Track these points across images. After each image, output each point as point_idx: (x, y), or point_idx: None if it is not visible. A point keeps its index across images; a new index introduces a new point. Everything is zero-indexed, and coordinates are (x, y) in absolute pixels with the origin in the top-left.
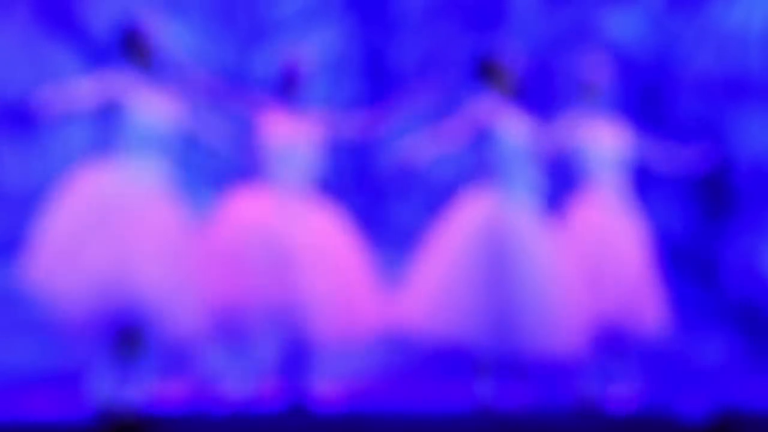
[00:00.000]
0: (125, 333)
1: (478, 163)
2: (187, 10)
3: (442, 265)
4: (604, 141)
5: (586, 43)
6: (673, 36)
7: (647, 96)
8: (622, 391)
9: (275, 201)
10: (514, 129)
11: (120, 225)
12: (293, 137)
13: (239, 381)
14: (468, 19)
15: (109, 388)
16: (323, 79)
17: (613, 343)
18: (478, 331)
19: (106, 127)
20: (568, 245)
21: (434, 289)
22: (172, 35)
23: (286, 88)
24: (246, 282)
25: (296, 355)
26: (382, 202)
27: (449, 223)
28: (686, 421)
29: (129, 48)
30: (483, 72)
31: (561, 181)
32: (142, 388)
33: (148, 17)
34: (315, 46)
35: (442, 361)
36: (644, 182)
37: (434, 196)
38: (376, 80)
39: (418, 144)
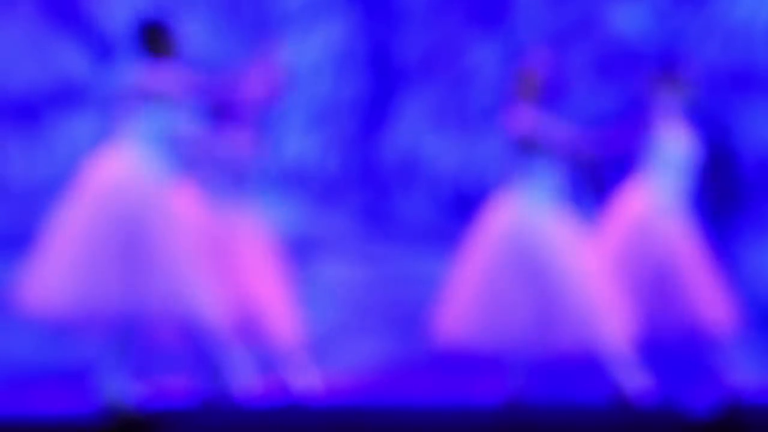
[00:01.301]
0: (134, 331)
1: (520, 166)
2: (193, 5)
3: (481, 271)
4: (681, 142)
5: (590, 37)
6: (678, 29)
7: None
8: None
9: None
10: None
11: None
12: None
13: (246, 376)
14: (472, 14)
15: (118, 385)
16: (328, 74)
17: (655, 340)
18: (520, 334)
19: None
20: (611, 240)
21: (472, 301)
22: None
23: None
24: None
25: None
26: (387, 196)
27: (484, 229)
28: (693, 415)
29: (150, 42)
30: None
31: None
32: (146, 385)
33: (170, 11)
34: (319, 41)
35: (450, 352)
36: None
37: (438, 189)
38: (381, 75)
39: None
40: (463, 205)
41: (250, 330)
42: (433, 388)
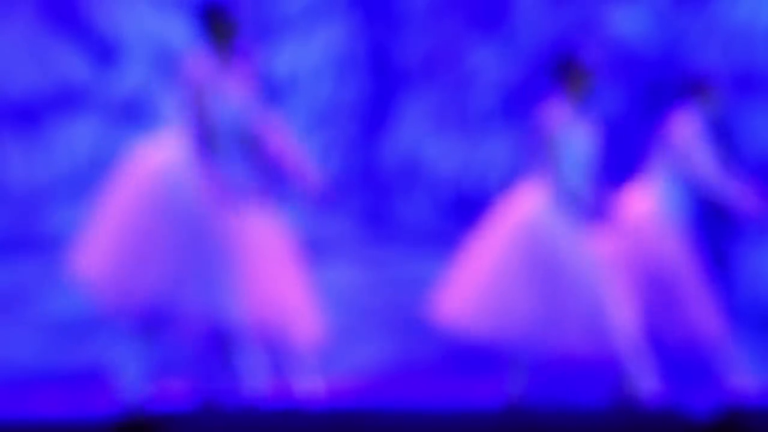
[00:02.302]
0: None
1: (542, 165)
2: (191, 8)
3: (488, 264)
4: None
5: (591, 39)
6: (679, 32)
7: (653, 92)
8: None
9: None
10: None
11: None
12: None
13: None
14: (472, 17)
15: (133, 385)
16: (328, 77)
17: (663, 342)
18: (527, 326)
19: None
20: (623, 239)
21: (481, 287)
22: (175, 33)
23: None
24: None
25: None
26: (388, 199)
27: (493, 224)
28: (693, 417)
29: (212, 26)
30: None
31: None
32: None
33: None
34: (319, 44)
35: (451, 355)
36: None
37: (439, 192)
38: (381, 78)
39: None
40: (463, 208)
41: (272, 330)
42: (434, 391)
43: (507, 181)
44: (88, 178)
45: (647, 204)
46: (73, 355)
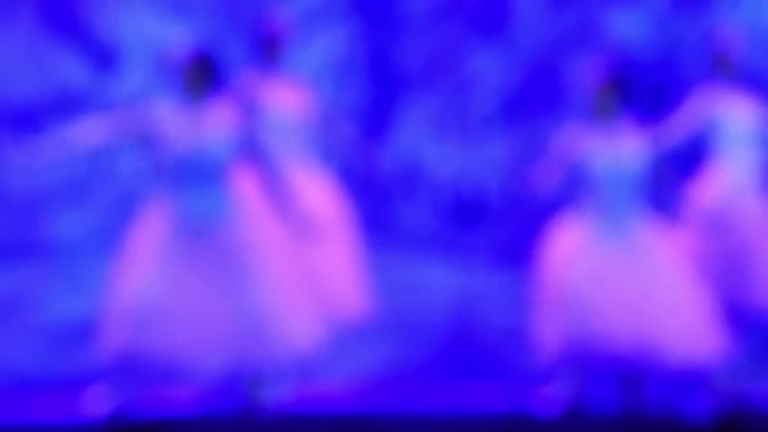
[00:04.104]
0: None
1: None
2: (192, 11)
3: (576, 276)
4: (740, 115)
5: (590, 43)
6: (678, 36)
7: (652, 97)
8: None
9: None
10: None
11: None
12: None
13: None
14: (473, 21)
15: (125, 392)
16: (328, 82)
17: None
18: (620, 338)
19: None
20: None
21: (572, 299)
22: (176, 37)
23: (269, 54)
24: None
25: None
26: (388, 203)
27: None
28: (692, 420)
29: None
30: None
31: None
32: (148, 393)
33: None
34: (320, 48)
35: (452, 360)
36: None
37: (439, 197)
38: (382, 82)
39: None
40: (464, 213)
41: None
42: (436, 395)
43: (506, 185)
44: (87, 184)
45: (721, 182)
46: (72, 361)
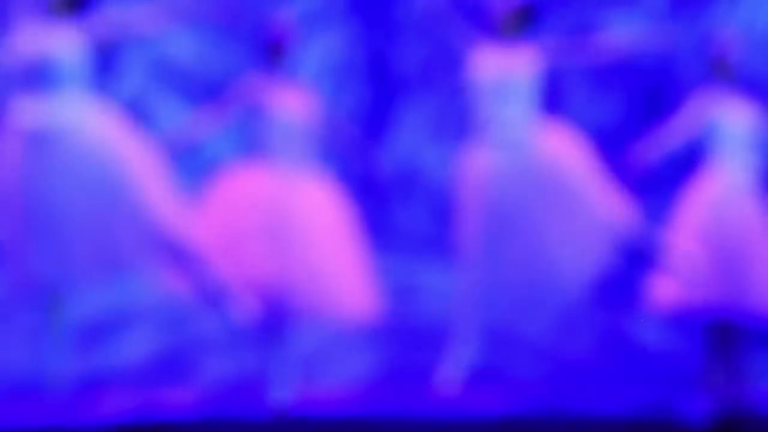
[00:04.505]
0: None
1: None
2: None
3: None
4: (738, 118)
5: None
6: (676, 37)
7: (650, 98)
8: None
9: (275, 175)
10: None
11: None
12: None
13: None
14: (470, 23)
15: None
16: (327, 84)
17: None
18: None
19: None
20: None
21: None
22: (175, 41)
23: (273, 57)
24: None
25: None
26: (386, 206)
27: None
28: (691, 421)
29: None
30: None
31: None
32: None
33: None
34: (318, 52)
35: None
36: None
37: (438, 200)
38: (380, 85)
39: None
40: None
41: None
42: (433, 399)
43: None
44: None
45: (718, 184)
46: (76, 362)
